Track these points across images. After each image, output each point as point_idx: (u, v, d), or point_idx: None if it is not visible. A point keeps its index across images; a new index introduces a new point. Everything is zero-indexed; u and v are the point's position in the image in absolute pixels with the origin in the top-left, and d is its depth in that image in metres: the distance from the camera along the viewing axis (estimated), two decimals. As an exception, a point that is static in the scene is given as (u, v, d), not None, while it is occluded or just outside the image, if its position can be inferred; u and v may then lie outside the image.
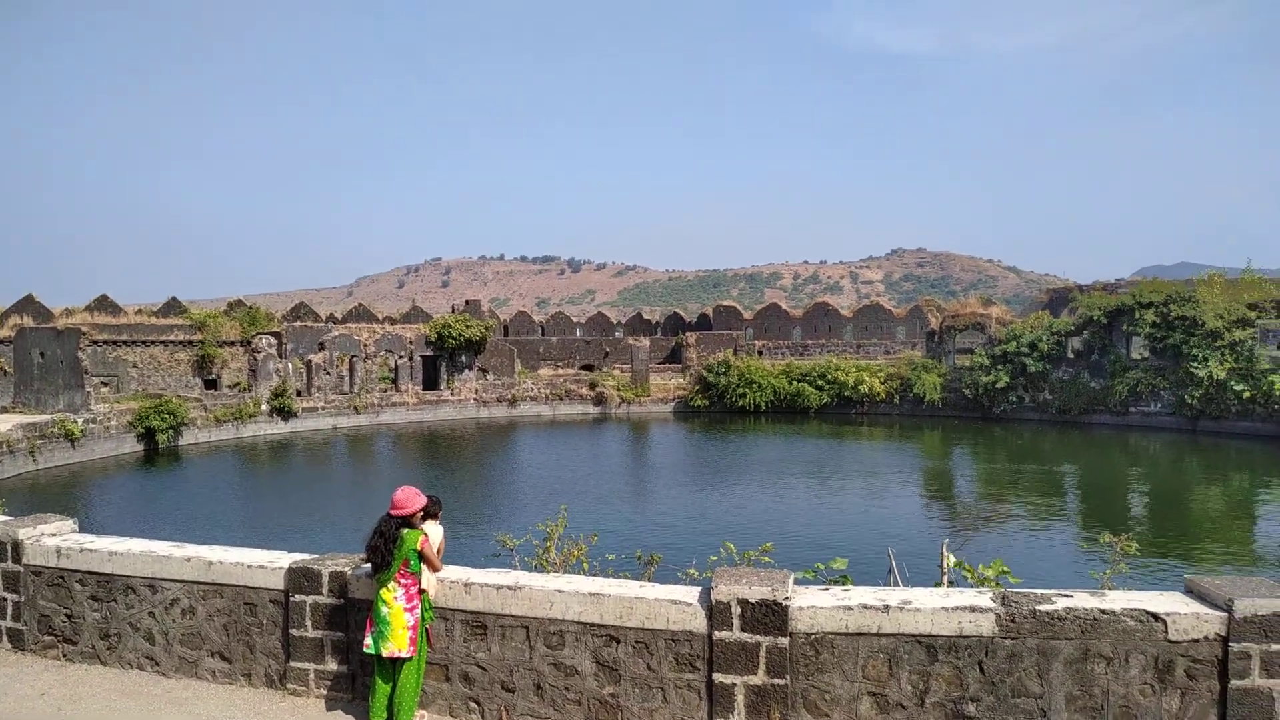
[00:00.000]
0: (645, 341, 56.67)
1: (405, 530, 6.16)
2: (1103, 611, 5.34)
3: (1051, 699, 5.35)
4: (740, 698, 5.60)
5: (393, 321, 63.28)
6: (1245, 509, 25.58)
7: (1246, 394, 38.45)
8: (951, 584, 6.95)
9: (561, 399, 52.06)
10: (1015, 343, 46.05)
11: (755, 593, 5.59)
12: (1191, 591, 5.68)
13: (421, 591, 6.13)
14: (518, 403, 51.14)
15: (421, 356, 50.17)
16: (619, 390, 52.19)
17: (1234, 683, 5.31)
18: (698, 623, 5.73)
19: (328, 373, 45.94)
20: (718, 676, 5.64)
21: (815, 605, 5.60)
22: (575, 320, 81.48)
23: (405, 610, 6.02)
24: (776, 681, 5.54)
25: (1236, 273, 44.39)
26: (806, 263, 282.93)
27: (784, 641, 5.55)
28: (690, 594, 5.93)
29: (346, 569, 6.66)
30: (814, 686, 5.57)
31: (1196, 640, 5.33)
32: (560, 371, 57.11)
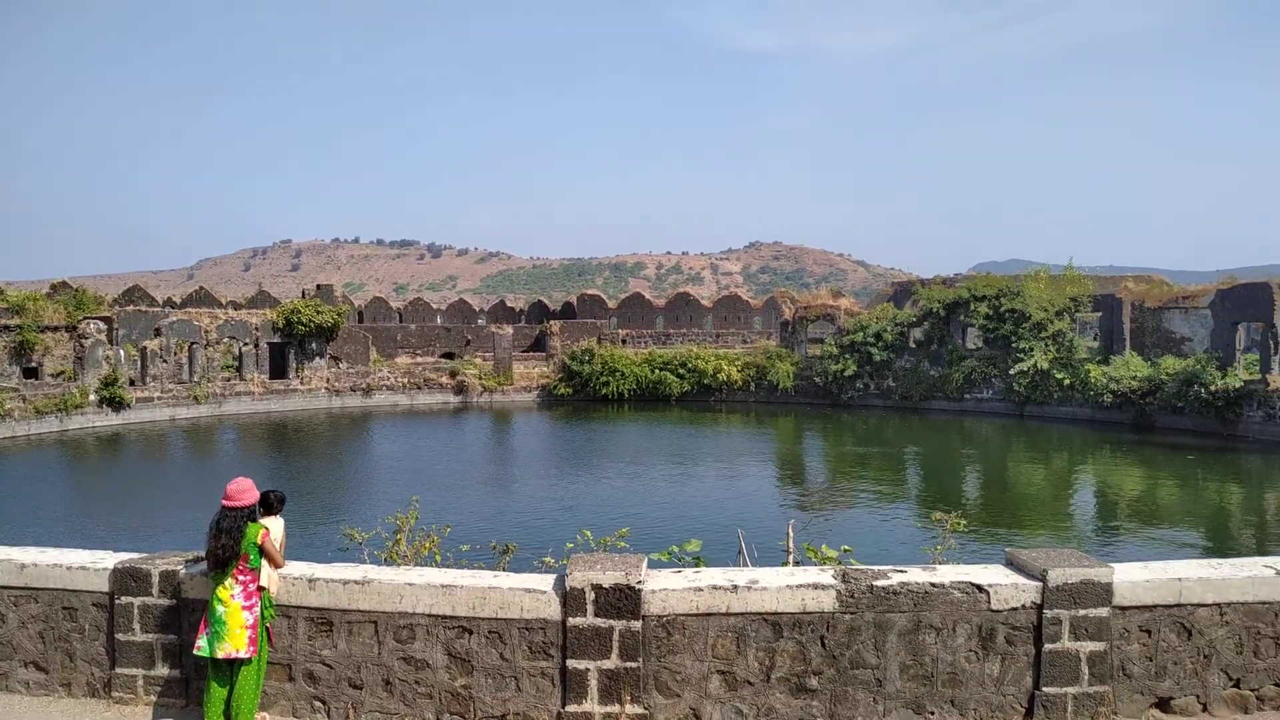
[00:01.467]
0: (508, 329, 56.07)
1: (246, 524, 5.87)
2: (933, 585, 5.68)
3: (887, 669, 5.65)
4: (593, 682, 5.64)
5: (237, 306, 59.95)
6: (1064, 486, 27.89)
7: (1066, 381, 41.83)
8: (798, 563, 7.25)
9: (420, 388, 50.80)
10: (862, 333, 48.32)
11: (609, 578, 5.63)
12: (1011, 564, 6.13)
13: (261, 589, 5.84)
14: (373, 392, 49.54)
15: (269, 344, 47.78)
16: (481, 379, 51.42)
17: (1048, 646, 5.78)
18: (552, 610, 5.73)
19: (164, 360, 43.04)
20: (571, 663, 5.66)
21: (668, 588, 5.70)
22: (435, 307, 79.65)
23: (243, 609, 5.72)
24: (629, 665, 5.61)
25: (1060, 269, 48.08)
26: (670, 253, 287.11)
27: (637, 625, 5.62)
28: (545, 582, 5.91)
29: (179, 568, 6.27)
30: (665, 668, 5.68)
31: (1015, 609, 5.76)
32: (419, 360, 55.71)
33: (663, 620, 5.68)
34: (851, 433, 40.27)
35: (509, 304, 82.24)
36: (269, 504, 6.22)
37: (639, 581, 5.62)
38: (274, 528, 6.14)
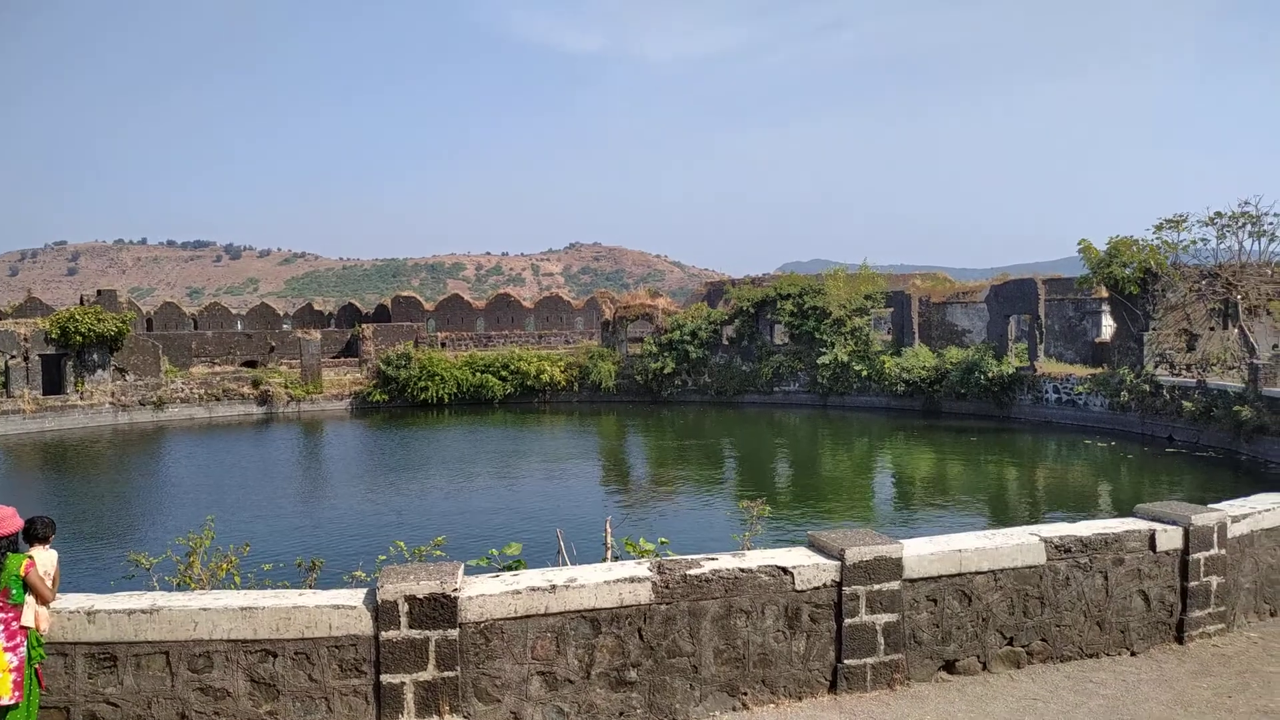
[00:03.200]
0: (317, 334, 53.36)
1: (6, 555, 5.26)
2: (742, 570, 5.92)
3: (702, 655, 5.84)
4: (409, 696, 5.47)
5: (3, 315, 53.61)
6: (864, 470, 29.85)
7: (864, 373, 44.85)
8: (617, 558, 7.35)
9: (219, 399, 47.42)
10: (679, 332, 49.70)
11: (423, 588, 5.48)
12: (813, 545, 6.49)
13: (25, 628, 5.25)
14: (165, 405, 45.76)
15: (41, 356, 43.05)
16: (287, 388, 48.65)
17: (847, 620, 6.16)
18: (363, 625, 5.50)
19: (-91, 378, 37.84)
20: (386, 678, 5.46)
21: (485, 593, 5.61)
22: (235, 312, 74.61)
23: (5, 650, 5.12)
24: (447, 674, 5.48)
25: (856, 268, 51.41)
26: (489, 254, 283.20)
27: (454, 633, 5.51)
28: (355, 597, 5.67)
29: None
30: (485, 674, 5.59)
31: (818, 588, 6.11)
32: (218, 369, 51.99)
33: (481, 626, 5.59)
34: (671, 428, 41.30)
35: (317, 307, 78.25)
36: (35, 533, 5.60)
37: (455, 589, 5.50)
38: (42, 559, 5.52)
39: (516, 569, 6.66)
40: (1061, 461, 30.17)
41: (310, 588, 6.31)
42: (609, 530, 7.81)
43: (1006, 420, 38.53)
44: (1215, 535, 7.35)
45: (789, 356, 47.65)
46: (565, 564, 7.25)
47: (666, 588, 5.75)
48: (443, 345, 58.64)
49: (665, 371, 49.40)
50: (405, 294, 79.92)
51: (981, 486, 26.20)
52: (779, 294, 47.76)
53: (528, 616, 5.61)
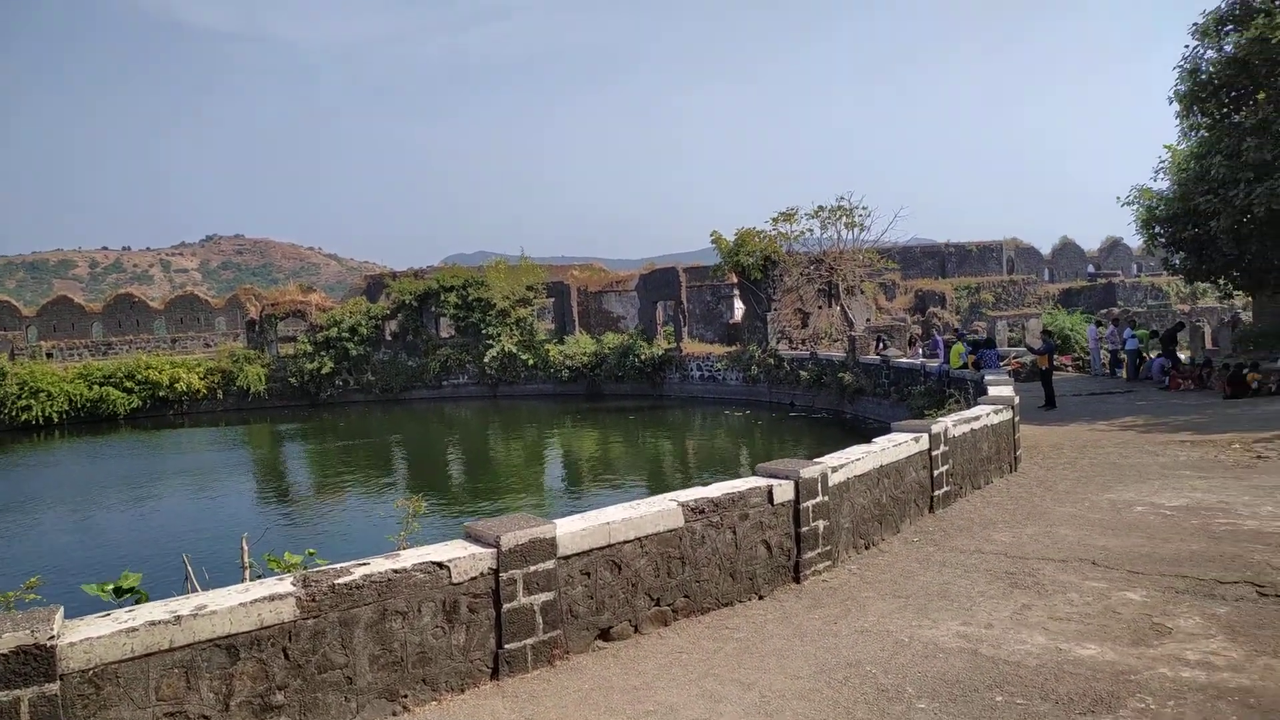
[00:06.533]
0: None
1: None
2: (396, 571, 5.75)
3: (356, 665, 5.58)
4: (-3, 771, 4.62)
5: None
6: (535, 456, 30.55)
7: (531, 362, 45.87)
8: (259, 577, 6.80)
9: None
10: (336, 328, 47.26)
11: (8, 642, 4.64)
12: (469, 536, 6.48)
13: None
14: None
15: None
16: None
17: (506, 606, 6.23)
18: (-75, 699, 4.54)
19: None
20: (-37, 756, 4.56)
21: (92, 636, 4.89)
22: None
23: None
24: (46, 738, 4.70)
25: (518, 260, 52.30)
26: (106, 249, 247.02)
27: (54, 687, 4.73)
28: (-89, 666, 4.65)
29: None
30: (97, 728, 4.88)
31: (475, 578, 6.11)
32: None
33: (89, 674, 4.86)
34: (334, 431, 39.19)
35: None
36: None
37: (51, 638, 4.72)
38: None
39: (137, 602, 5.90)
40: (707, 431, 33.19)
41: None
42: (245, 548, 7.19)
43: (660, 398, 41.58)
44: (819, 485, 8.48)
45: (456, 349, 47.34)
46: (196, 591, 6.55)
47: (313, 601, 5.41)
48: (49, 356, 50.47)
49: (323, 372, 46.76)
50: (-4, 298, 67.51)
51: (641, 460, 28.02)
52: (443, 286, 47.22)
53: (149, 655, 4.98)
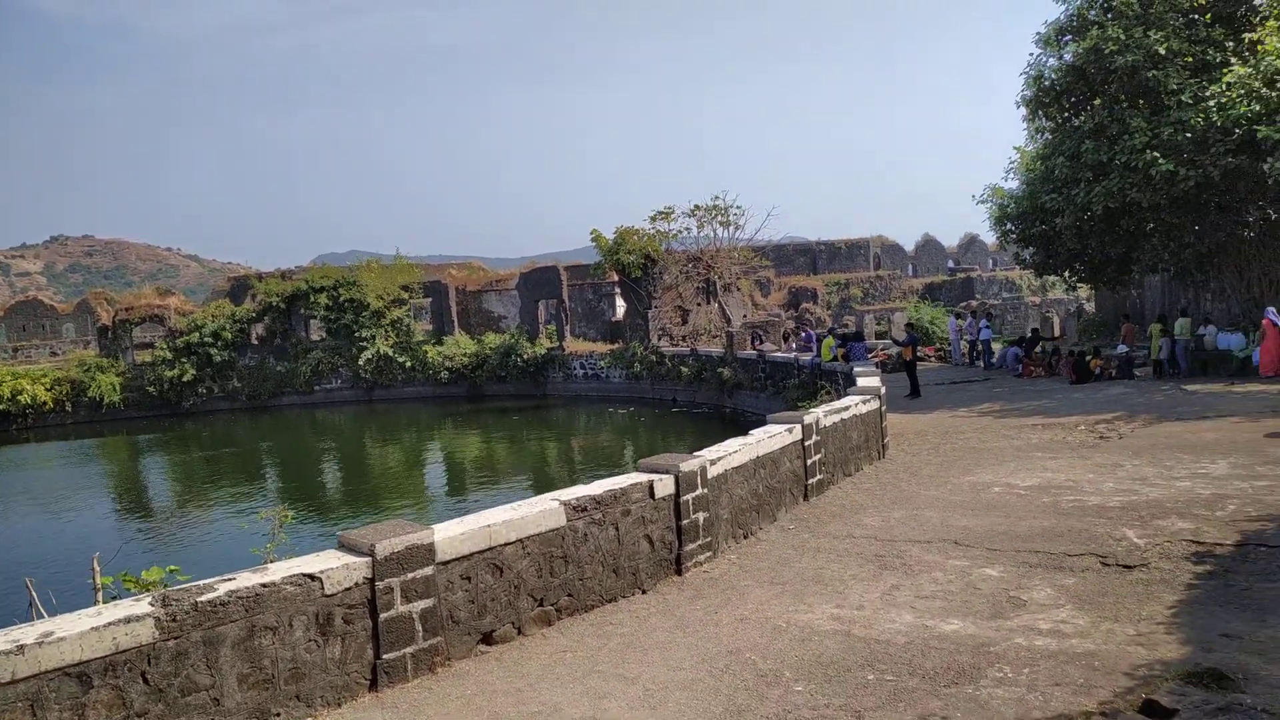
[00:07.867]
0: None
1: None
2: (264, 585, 5.51)
3: (224, 685, 5.32)
4: None
5: None
6: (415, 460, 29.84)
7: (408, 364, 44.76)
8: (114, 598, 6.38)
9: None
10: (198, 333, 44.84)
11: None
12: (343, 545, 6.28)
13: None
14: None
15: None
16: None
17: (383, 615, 6.07)
18: None
19: None
20: None
21: (-80, 676, 4.48)
22: None
23: None
24: None
25: (391, 258, 50.93)
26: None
27: (-125, 735, 4.32)
28: None
29: None
30: (-72, 774, 4.48)
31: (349, 588, 5.92)
32: None
33: (-83, 716, 4.46)
34: (197, 441, 37.19)
35: None
36: None
37: None
38: None
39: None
40: (592, 429, 33.23)
41: None
42: (97, 569, 6.73)
43: (544, 398, 41.35)
44: (699, 478, 8.64)
45: (328, 353, 45.69)
46: (41, 617, 6.09)
47: (174, 620, 5.12)
48: None
49: (185, 379, 44.30)
50: None
51: (526, 461, 27.78)
52: (312, 287, 45.42)
53: (-14, 691, 4.61)
